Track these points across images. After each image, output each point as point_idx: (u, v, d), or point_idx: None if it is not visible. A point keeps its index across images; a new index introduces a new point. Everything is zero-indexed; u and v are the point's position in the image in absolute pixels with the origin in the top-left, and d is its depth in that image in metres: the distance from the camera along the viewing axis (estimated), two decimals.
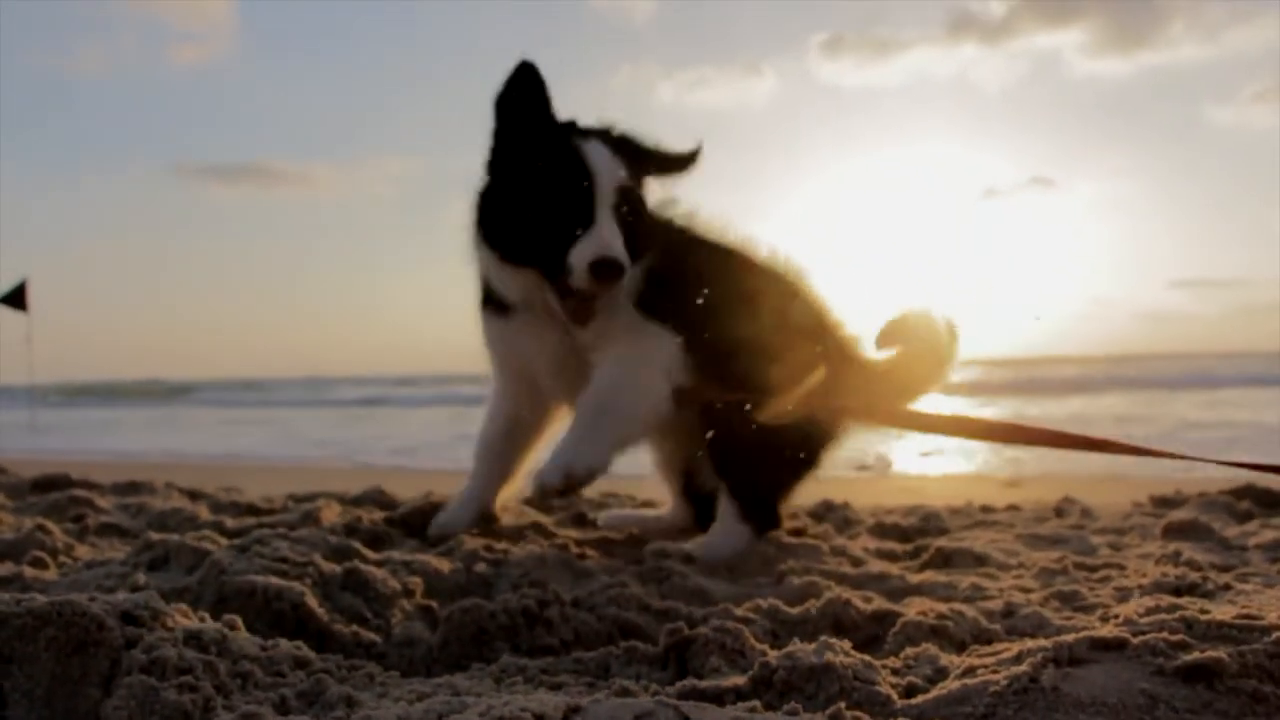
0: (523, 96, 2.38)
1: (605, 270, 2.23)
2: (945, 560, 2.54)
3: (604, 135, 2.43)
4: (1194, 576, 2.13)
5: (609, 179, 2.31)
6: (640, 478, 4.18)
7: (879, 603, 2.00)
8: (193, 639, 1.52)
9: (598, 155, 2.34)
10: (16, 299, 13.03)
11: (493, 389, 2.83)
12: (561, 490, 2.30)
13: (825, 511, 3.37)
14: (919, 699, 1.35)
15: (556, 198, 2.30)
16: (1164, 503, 3.63)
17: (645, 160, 2.48)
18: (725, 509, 2.60)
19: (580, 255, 2.24)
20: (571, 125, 2.43)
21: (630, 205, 2.35)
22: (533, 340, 2.54)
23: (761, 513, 2.63)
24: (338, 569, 2.06)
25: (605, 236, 2.25)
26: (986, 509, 3.80)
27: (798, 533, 2.88)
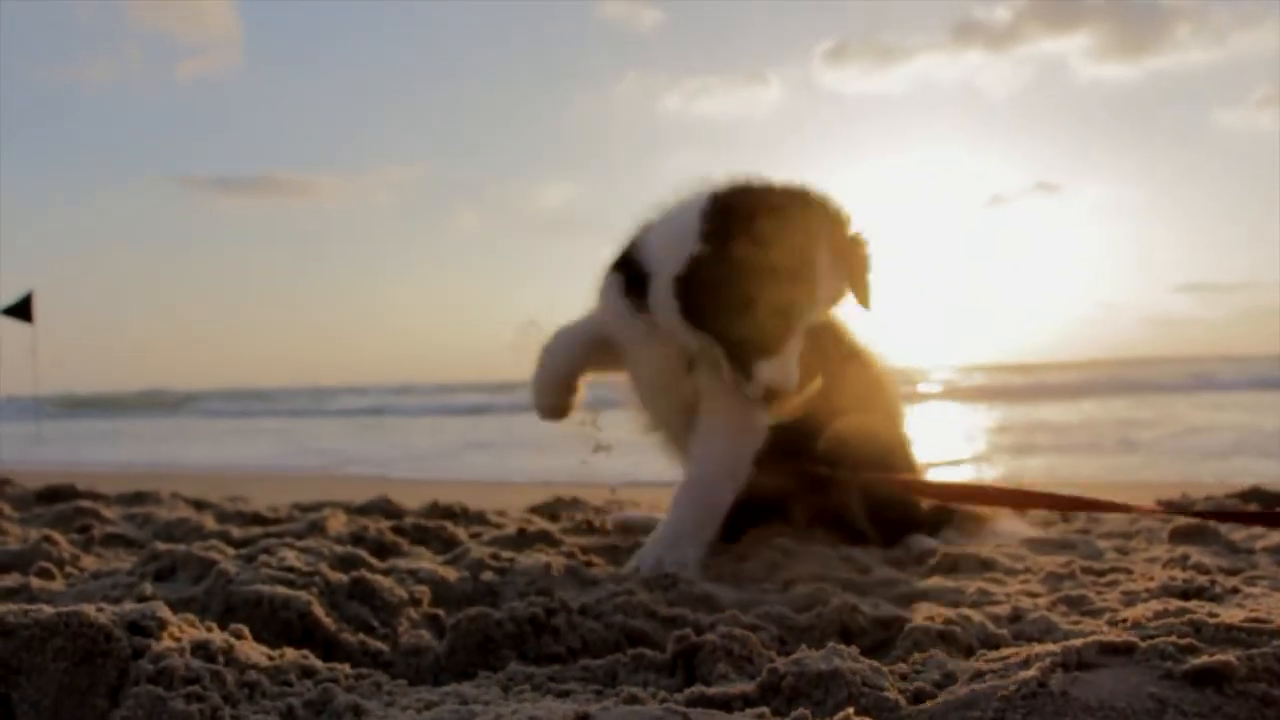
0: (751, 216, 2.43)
1: (775, 396, 2.43)
2: (952, 566, 2.54)
3: (834, 216, 2.51)
4: (1201, 580, 2.12)
5: (808, 308, 2.45)
6: (640, 484, 4.18)
7: (886, 609, 2.00)
8: (200, 649, 1.52)
9: (812, 275, 2.42)
10: (22, 310, 13.06)
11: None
12: (654, 579, 2.33)
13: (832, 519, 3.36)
14: (927, 704, 1.35)
15: (762, 313, 2.40)
16: (1171, 507, 3.62)
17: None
18: None
19: (761, 375, 2.41)
20: (797, 225, 2.45)
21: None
22: (655, 353, 2.67)
23: None
24: (344, 578, 2.06)
25: (787, 368, 2.42)
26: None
27: (802, 540, 2.88)
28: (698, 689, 1.42)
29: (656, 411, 2.86)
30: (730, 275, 2.41)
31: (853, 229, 2.52)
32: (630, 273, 2.63)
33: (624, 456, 3.13)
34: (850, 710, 1.29)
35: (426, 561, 2.51)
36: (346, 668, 1.66)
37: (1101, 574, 2.40)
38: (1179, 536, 2.84)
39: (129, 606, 1.58)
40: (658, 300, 2.54)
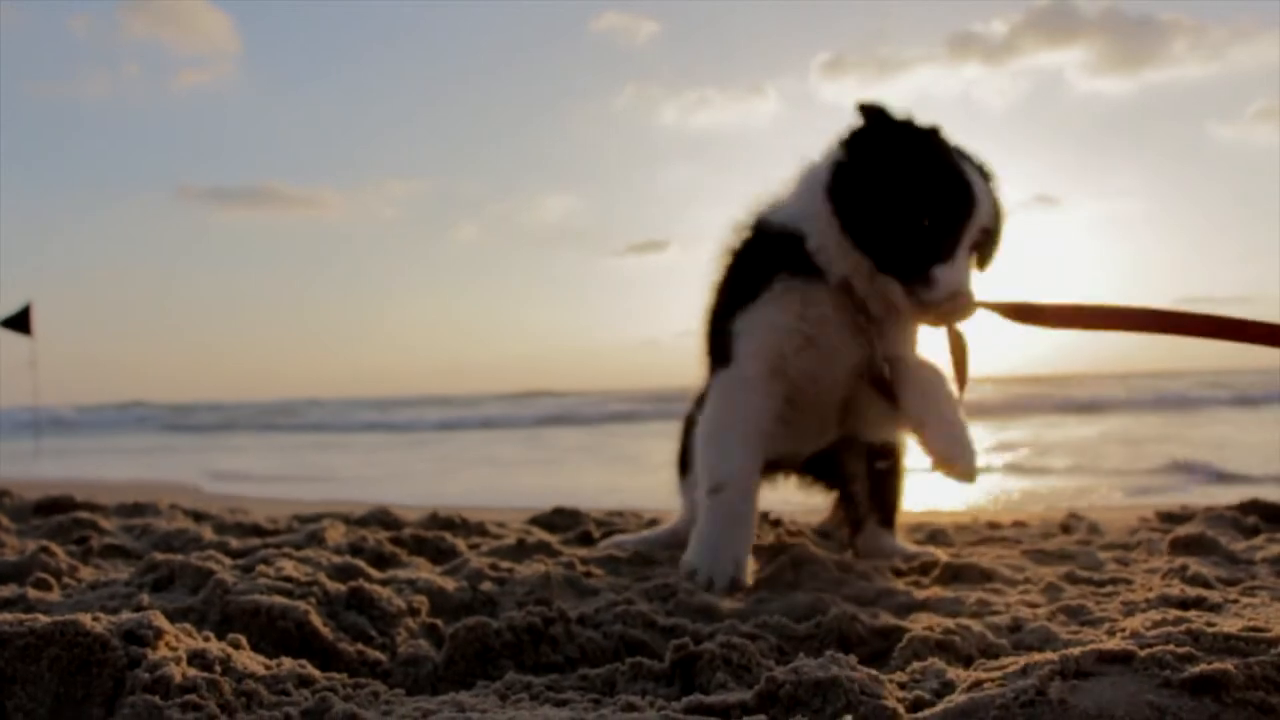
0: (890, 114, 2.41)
1: (961, 302, 2.37)
2: (952, 576, 2.54)
3: (977, 166, 2.47)
4: (1201, 590, 2.12)
5: (981, 217, 2.39)
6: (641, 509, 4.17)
7: (885, 618, 1.99)
8: (196, 658, 1.51)
9: (979, 188, 2.39)
10: (21, 322, 13.06)
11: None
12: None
13: (832, 529, 3.36)
14: (925, 712, 1.34)
15: (934, 217, 2.34)
16: (1170, 518, 3.62)
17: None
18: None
19: (947, 280, 2.33)
20: (948, 144, 2.44)
21: (983, 246, 2.47)
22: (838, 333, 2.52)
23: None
24: (343, 588, 2.06)
25: (966, 272, 2.37)
26: (993, 525, 3.80)
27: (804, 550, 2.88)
28: (696, 698, 1.42)
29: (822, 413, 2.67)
30: (888, 176, 2.35)
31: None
32: (780, 253, 2.50)
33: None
34: (848, 719, 1.29)
35: (425, 572, 2.50)
36: (344, 677, 1.65)
37: (1101, 585, 2.40)
38: (1178, 547, 2.83)
39: (125, 616, 1.57)
40: (816, 239, 2.44)
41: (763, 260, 2.54)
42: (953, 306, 2.37)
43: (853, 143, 2.43)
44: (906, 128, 2.40)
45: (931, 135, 2.41)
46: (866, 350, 2.51)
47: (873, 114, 2.41)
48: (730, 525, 2.43)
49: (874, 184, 2.38)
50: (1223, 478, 6.78)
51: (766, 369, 2.51)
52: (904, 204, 2.34)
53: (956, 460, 2.35)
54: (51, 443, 16.36)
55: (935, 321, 2.46)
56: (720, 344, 2.61)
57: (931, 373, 2.52)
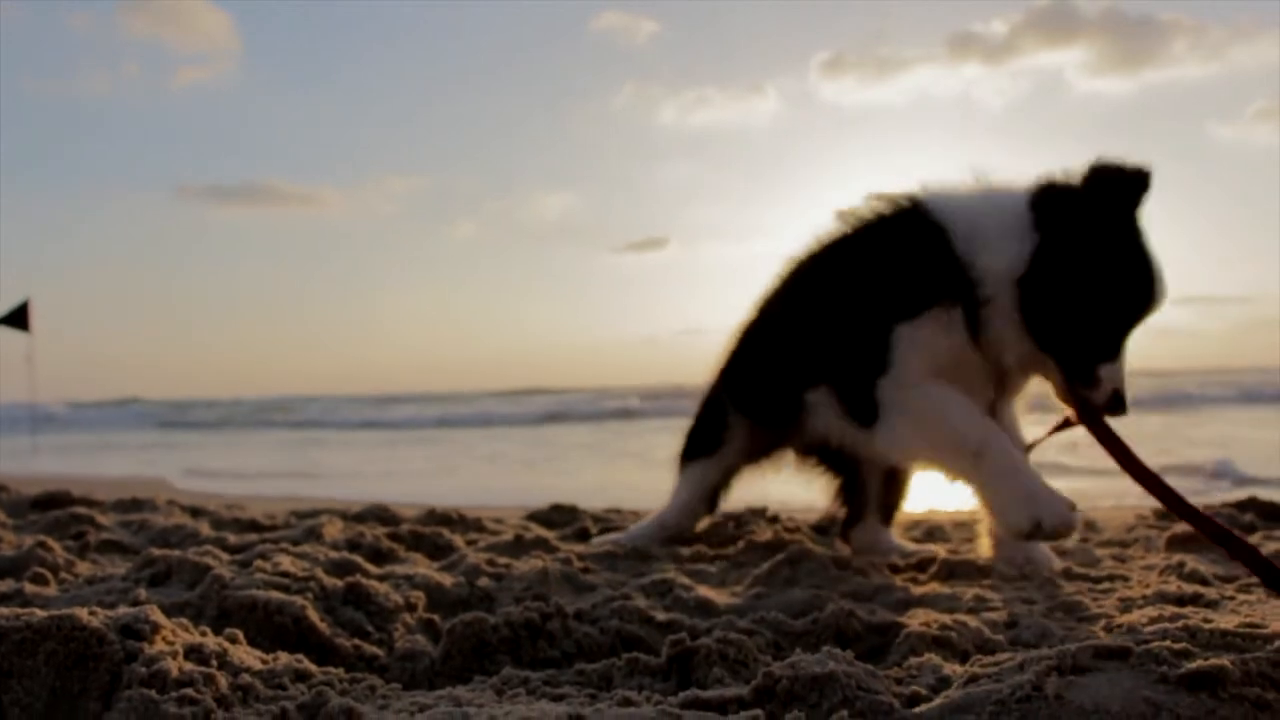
0: (1123, 198, 2.29)
1: (1118, 406, 2.29)
2: (949, 572, 2.54)
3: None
4: (1198, 587, 2.12)
5: (1157, 310, 2.30)
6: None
7: (883, 614, 1.99)
8: (193, 652, 1.51)
9: (1164, 280, 2.29)
10: (19, 319, 13.05)
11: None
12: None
13: (829, 526, 3.36)
14: (921, 708, 1.34)
15: (1120, 314, 2.28)
16: (1168, 516, 3.62)
17: None
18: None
19: (1111, 378, 2.27)
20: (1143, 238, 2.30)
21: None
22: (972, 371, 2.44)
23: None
24: (340, 583, 2.06)
25: (1123, 369, 2.29)
26: None
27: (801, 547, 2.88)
28: (692, 693, 1.42)
29: None
30: (1080, 272, 2.25)
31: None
32: (954, 278, 2.37)
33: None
34: (845, 713, 1.29)
35: (422, 567, 2.50)
36: (341, 672, 1.65)
37: (1098, 581, 2.40)
38: (1175, 545, 2.83)
39: (122, 610, 1.57)
40: (993, 305, 2.33)
41: (935, 273, 2.39)
42: (1105, 405, 2.28)
43: (1053, 224, 2.30)
44: (1114, 203, 2.27)
45: (1133, 214, 2.29)
46: (988, 400, 2.47)
47: (1099, 183, 2.28)
48: (1025, 471, 2.26)
49: (1057, 282, 2.27)
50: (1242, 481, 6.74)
51: (926, 366, 2.41)
52: (1094, 303, 2.26)
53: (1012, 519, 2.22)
54: (40, 439, 16.24)
55: (1078, 411, 2.35)
56: (864, 334, 2.47)
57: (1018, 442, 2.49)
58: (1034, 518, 2.16)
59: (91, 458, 13.01)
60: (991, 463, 2.25)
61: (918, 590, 2.31)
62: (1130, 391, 2.30)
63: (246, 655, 1.60)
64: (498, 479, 8.80)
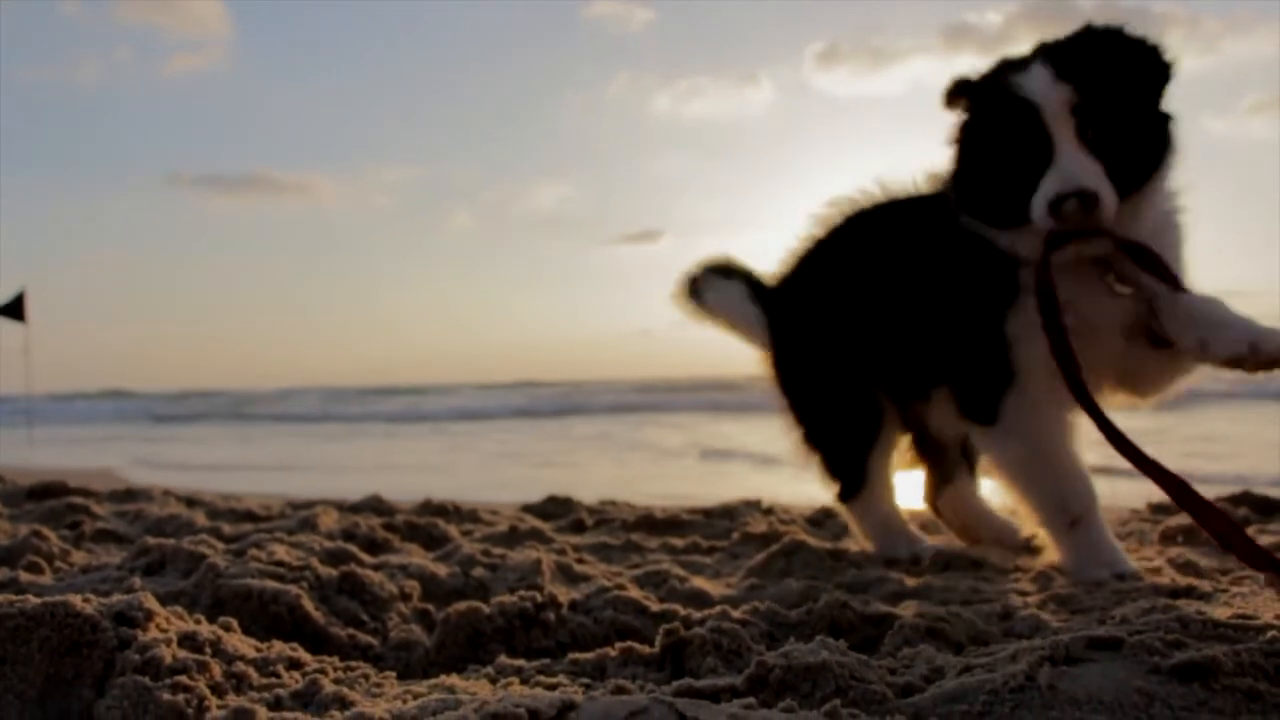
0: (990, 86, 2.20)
1: (1064, 204, 2.02)
2: (943, 565, 2.54)
3: (1047, 53, 2.14)
4: (1191, 579, 2.12)
5: (1054, 103, 2.06)
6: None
7: (877, 605, 2.00)
8: (187, 640, 1.51)
9: (1034, 82, 2.09)
10: (15, 309, 13.02)
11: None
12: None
13: (824, 518, 3.37)
14: (915, 697, 1.34)
15: (1007, 149, 2.13)
16: (1162, 510, 3.62)
17: (1112, 62, 2.12)
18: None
19: (1037, 200, 2.05)
20: (1004, 64, 2.19)
21: (1101, 119, 2.08)
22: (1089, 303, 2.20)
23: None
24: (334, 573, 2.06)
25: (1064, 166, 2.03)
26: None
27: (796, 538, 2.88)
28: (686, 682, 1.42)
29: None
30: (971, 154, 2.24)
31: None
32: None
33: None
34: (837, 703, 1.29)
35: (417, 557, 2.50)
36: (335, 661, 1.65)
37: None
38: (1169, 538, 2.84)
39: (116, 598, 1.57)
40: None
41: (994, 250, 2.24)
42: (1060, 214, 2.03)
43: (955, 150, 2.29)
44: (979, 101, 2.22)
45: (987, 86, 2.20)
46: (1131, 306, 2.19)
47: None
48: (1105, 537, 2.28)
49: (965, 170, 2.26)
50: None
51: (1050, 373, 2.17)
52: (982, 168, 2.21)
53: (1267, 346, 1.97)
54: (21, 433, 16.06)
55: (1079, 238, 2.09)
56: (974, 348, 2.31)
57: (1200, 296, 2.11)
58: (1116, 573, 2.22)
59: (55, 450, 12.88)
60: (1085, 530, 2.29)
61: (912, 582, 2.31)
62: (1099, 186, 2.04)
63: (240, 643, 1.60)
64: (489, 470, 8.80)
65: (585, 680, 1.56)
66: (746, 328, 2.88)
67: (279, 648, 1.63)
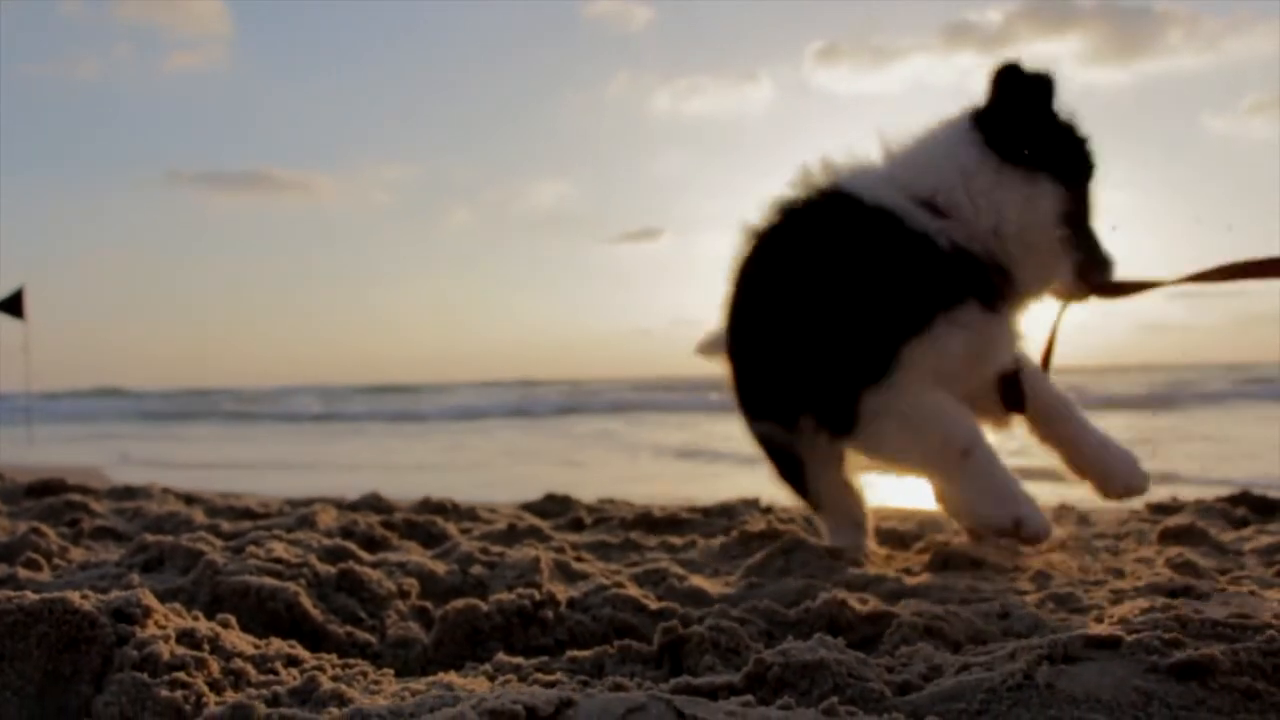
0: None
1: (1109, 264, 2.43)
2: (942, 563, 2.54)
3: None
4: (1189, 579, 2.12)
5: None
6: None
7: (875, 604, 2.00)
8: (185, 637, 1.51)
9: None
10: (13, 306, 12.98)
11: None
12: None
13: None
14: (913, 695, 1.35)
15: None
16: (1161, 510, 3.62)
17: None
18: None
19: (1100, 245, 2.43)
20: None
21: None
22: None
23: None
24: (333, 570, 2.06)
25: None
26: None
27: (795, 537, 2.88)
28: (684, 679, 1.42)
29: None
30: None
31: None
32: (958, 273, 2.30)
33: None
34: (835, 700, 1.29)
35: (416, 555, 2.50)
36: (333, 658, 1.65)
37: (1091, 573, 2.40)
38: (1168, 538, 2.84)
39: (114, 594, 1.57)
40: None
41: (936, 277, 2.29)
42: (1106, 263, 2.42)
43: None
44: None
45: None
46: (1009, 359, 2.45)
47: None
48: (1010, 474, 2.29)
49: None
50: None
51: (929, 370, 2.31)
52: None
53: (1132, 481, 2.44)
54: (15, 431, 15.97)
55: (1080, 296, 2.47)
56: (862, 349, 2.33)
57: (1061, 397, 2.54)
58: (1015, 516, 2.22)
59: (55, 448, 12.85)
60: (978, 462, 2.27)
61: (911, 581, 2.31)
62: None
63: (239, 640, 1.60)
64: (489, 470, 8.80)
65: (583, 678, 1.56)
66: None
67: (277, 645, 1.63)
